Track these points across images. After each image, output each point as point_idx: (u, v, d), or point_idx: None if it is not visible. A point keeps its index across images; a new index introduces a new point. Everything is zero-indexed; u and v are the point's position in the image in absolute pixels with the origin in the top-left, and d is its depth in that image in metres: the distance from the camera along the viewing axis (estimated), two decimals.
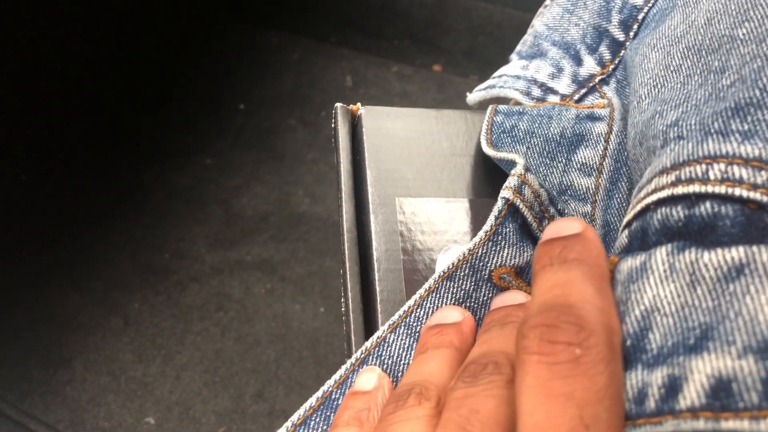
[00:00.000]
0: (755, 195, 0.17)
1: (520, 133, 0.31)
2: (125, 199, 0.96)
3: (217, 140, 1.03)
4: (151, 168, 1.00)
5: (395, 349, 0.25)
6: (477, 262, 0.25)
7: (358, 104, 0.33)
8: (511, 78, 0.35)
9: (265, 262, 0.90)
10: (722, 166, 0.18)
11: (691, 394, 0.14)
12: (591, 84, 0.34)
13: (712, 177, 0.18)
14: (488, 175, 0.32)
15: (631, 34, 0.33)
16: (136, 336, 0.84)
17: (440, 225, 0.30)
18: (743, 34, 0.21)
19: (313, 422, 0.24)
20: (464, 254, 0.25)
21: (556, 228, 0.20)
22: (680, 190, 0.18)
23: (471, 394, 0.20)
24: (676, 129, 0.21)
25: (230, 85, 1.09)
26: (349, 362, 0.25)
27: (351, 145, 0.32)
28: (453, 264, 0.26)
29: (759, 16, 0.21)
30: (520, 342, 0.17)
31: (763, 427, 0.13)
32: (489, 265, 0.25)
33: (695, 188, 0.18)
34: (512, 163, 0.29)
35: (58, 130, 1.03)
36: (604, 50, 0.34)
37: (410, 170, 0.31)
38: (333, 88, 1.08)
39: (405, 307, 0.25)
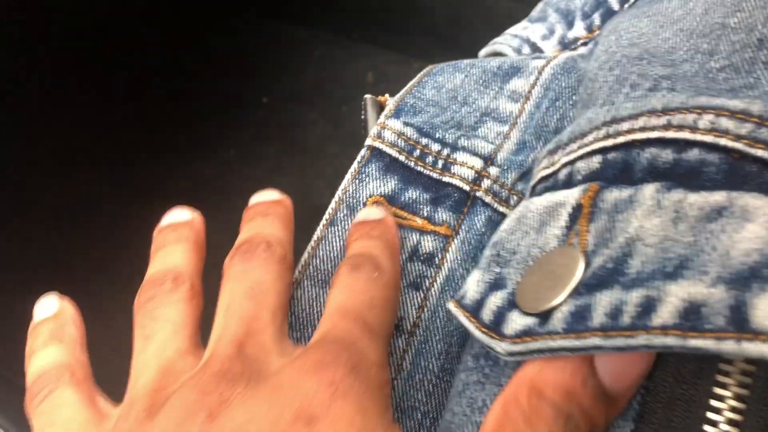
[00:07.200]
0: (738, 145, 0.18)
1: (462, 64, 0.34)
2: (150, 188, 0.99)
3: (240, 133, 1.05)
4: (176, 158, 1.02)
5: (306, 301, 0.27)
6: (350, 199, 0.29)
7: (386, 95, 0.35)
8: (510, 36, 0.39)
9: None
10: (711, 116, 0.19)
11: (664, 314, 0.16)
12: (573, 46, 0.36)
13: (701, 126, 0.19)
14: None
15: (626, 6, 0.35)
16: None
17: None
18: (734, 23, 0.22)
19: None
20: (339, 196, 0.29)
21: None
22: (671, 134, 0.19)
23: (250, 269, 0.24)
24: (668, 82, 0.22)
25: (254, 78, 1.11)
26: None
27: None
28: (332, 209, 0.29)
29: (750, 7, 0.22)
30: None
31: (724, 347, 0.14)
32: (361, 198, 0.29)
33: (685, 135, 0.19)
34: None
35: (84, 120, 1.05)
36: (596, 17, 0.36)
37: None
38: (354, 84, 1.09)
39: (302, 262, 0.28)
